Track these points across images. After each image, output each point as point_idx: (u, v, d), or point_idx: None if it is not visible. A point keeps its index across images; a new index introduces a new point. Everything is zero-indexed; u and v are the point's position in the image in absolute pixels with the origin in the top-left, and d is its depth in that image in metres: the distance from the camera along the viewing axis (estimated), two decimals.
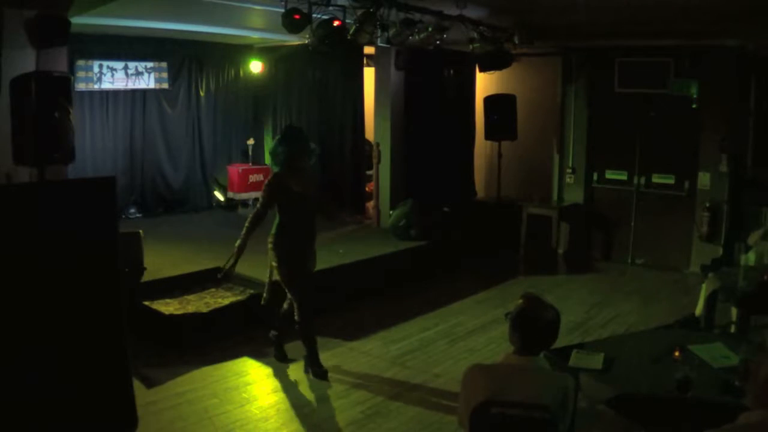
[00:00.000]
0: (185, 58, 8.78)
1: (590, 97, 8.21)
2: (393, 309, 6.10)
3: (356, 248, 6.84)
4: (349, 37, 5.31)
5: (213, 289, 5.83)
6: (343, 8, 5.17)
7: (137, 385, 4.02)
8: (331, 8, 5.10)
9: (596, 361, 3.25)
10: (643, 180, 7.88)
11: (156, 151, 8.72)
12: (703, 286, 5.08)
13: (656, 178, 7.81)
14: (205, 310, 5.35)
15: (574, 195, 8.40)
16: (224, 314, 5.34)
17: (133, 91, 8.31)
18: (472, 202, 9.23)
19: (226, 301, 5.54)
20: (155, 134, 8.67)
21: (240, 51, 9.29)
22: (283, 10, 4.91)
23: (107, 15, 5.82)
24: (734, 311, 4.66)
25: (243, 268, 5.99)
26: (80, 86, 7.60)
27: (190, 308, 5.37)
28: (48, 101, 4.23)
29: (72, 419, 3.38)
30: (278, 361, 4.86)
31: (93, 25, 6.40)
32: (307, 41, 5.33)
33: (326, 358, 4.70)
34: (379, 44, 6.32)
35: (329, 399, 4.31)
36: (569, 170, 8.42)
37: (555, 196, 8.58)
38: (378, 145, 8.15)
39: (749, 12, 5.31)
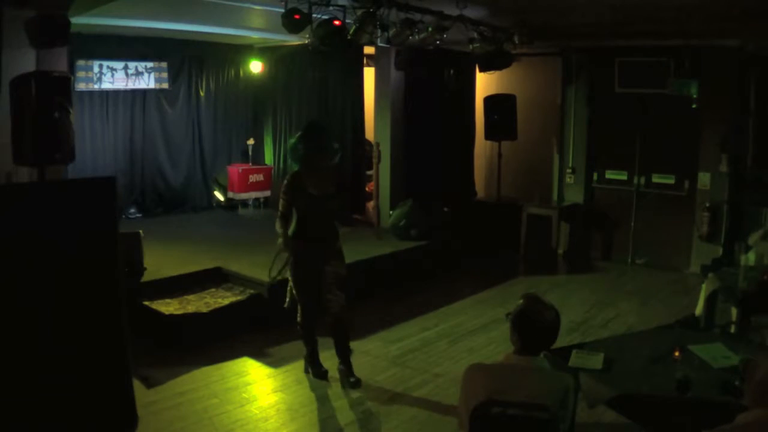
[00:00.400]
0: (185, 58, 8.77)
1: (590, 97, 8.21)
2: (393, 309, 6.10)
3: (356, 248, 6.83)
4: (349, 37, 5.31)
5: (213, 289, 5.83)
6: (343, 8, 5.17)
7: (137, 385, 4.03)
8: (331, 8, 5.10)
9: (596, 361, 3.25)
10: (643, 180, 7.88)
11: (156, 151, 8.71)
12: (703, 286, 5.09)
13: (656, 178, 7.81)
14: (205, 310, 5.35)
15: (574, 195, 8.40)
16: (224, 314, 5.34)
17: (133, 91, 8.31)
18: (472, 202, 9.23)
19: (226, 301, 5.54)
20: (155, 134, 8.67)
21: (240, 51, 9.29)
22: (283, 10, 4.91)
23: (107, 15, 5.82)
24: (734, 311, 4.66)
25: (243, 268, 6.04)
26: (80, 86, 7.59)
27: (190, 308, 5.37)
28: (48, 101, 4.23)
29: (72, 419, 3.38)
30: (316, 378, 4.60)
31: (93, 25, 6.40)
32: (307, 41, 5.33)
33: (326, 358, 4.70)
34: (379, 44, 6.32)
35: (329, 399, 4.31)
36: (569, 170, 8.42)
37: (555, 196, 8.58)
38: (378, 145, 8.15)
39: (749, 12, 5.31)
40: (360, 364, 4.80)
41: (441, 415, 4.09)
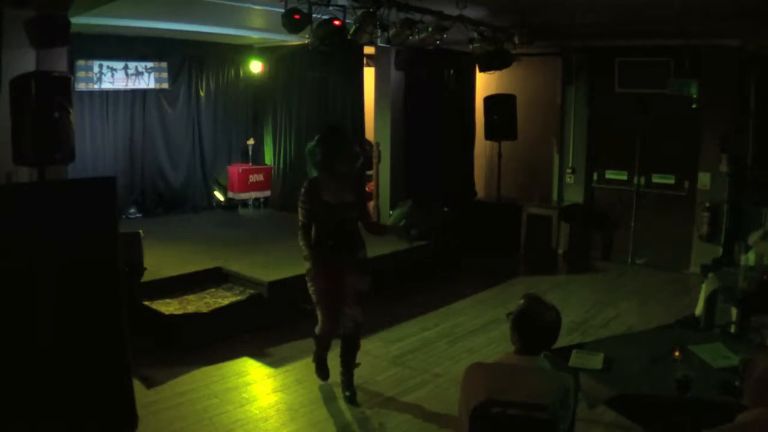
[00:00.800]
0: (185, 58, 8.77)
1: (590, 97, 8.21)
2: (393, 309, 6.10)
3: None
4: (349, 37, 5.31)
5: (213, 289, 5.83)
6: (343, 8, 5.17)
7: (137, 385, 4.03)
8: (331, 8, 5.10)
9: (596, 361, 3.25)
10: (643, 180, 7.88)
11: (156, 151, 8.71)
12: (703, 286, 5.09)
13: (656, 178, 7.81)
14: (205, 310, 5.35)
15: (574, 195, 8.40)
16: (224, 314, 5.34)
17: (133, 91, 8.31)
18: (472, 202, 9.23)
19: (226, 301, 5.54)
20: (155, 134, 8.66)
21: (240, 51, 9.29)
22: (283, 10, 4.91)
23: (107, 15, 5.82)
24: (734, 311, 4.66)
25: (243, 268, 6.04)
26: (80, 86, 7.59)
27: (190, 308, 5.37)
28: (48, 101, 4.23)
29: (72, 419, 3.38)
30: (317, 376, 4.47)
31: (93, 25, 6.40)
32: (307, 41, 5.32)
33: (329, 357, 4.69)
34: (379, 44, 6.32)
35: (329, 399, 4.31)
36: (569, 170, 8.42)
37: (555, 196, 8.58)
38: (378, 145, 8.15)
39: (749, 12, 5.31)
40: (360, 365, 4.79)
41: (441, 415, 4.08)
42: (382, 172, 8.13)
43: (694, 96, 7.18)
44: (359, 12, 5.22)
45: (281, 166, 9.56)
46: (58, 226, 3.35)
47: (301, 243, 4.10)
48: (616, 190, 8.11)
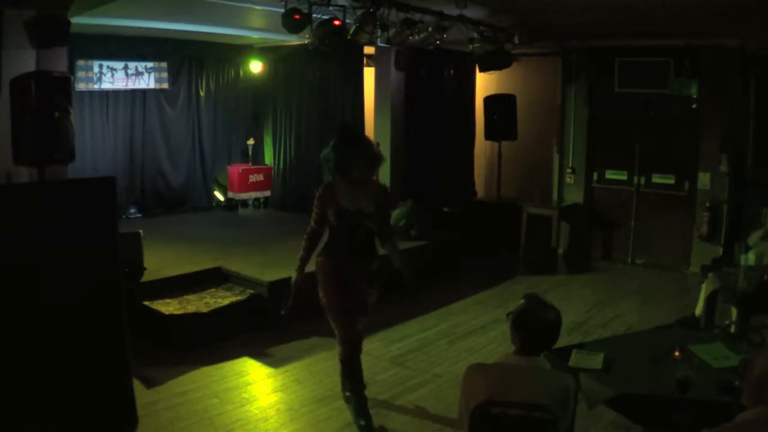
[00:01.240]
0: (185, 58, 8.77)
1: (590, 97, 8.21)
2: (393, 309, 6.08)
3: None
4: (349, 37, 5.32)
5: (213, 289, 5.83)
6: (343, 8, 5.17)
7: (137, 385, 4.03)
8: (331, 8, 5.10)
9: (596, 361, 3.24)
10: (643, 180, 7.88)
11: (156, 151, 8.71)
12: (703, 286, 5.09)
13: (656, 178, 7.82)
14: (205, 310, 5.35)
15: (574, 195, 8.40)
16: (224, 314, 5.34)
17: (133, 91, 8.31)
18: (472, 202, 9.23)
19: (226, 301, 5.54)
20: (155, 134, 8.67)
21: (240, 51, 9.29)
22: (283, 10, 4.91)
23: (107, 15, 5.82)
24: (734, 311, 4.66)
25: (243, 268, 6.04)
26: (80, 86, 7.59)
27: (190, 308, 5.37)
28: (48, 101, 4.23)
29: (72, 419, 3.39)
30: (348, 404, 4.04)
31: (93, 25, 6.39)
32: (307, 41, 5.33)
33: (326, 358, 4.71)
34: (379, 44, 6.33)
35: (329, 399, 4.31)
36: (569, 170, 8.42)
37: (555, 196, 8.58)
38: (378, 145, 8.14)
39: (749, 12, 5.31)
40: None
41: (441, 415, 4.08)
42: (382, 172, 8.12)
43: (694, 96, 7.19)
44: (359, 12, 5.23)
45: (281, 166, 9.56)
46: (58, 226, 3.35)
47: (303, 243, 3.95)
48: (616, 190, 8.11)
